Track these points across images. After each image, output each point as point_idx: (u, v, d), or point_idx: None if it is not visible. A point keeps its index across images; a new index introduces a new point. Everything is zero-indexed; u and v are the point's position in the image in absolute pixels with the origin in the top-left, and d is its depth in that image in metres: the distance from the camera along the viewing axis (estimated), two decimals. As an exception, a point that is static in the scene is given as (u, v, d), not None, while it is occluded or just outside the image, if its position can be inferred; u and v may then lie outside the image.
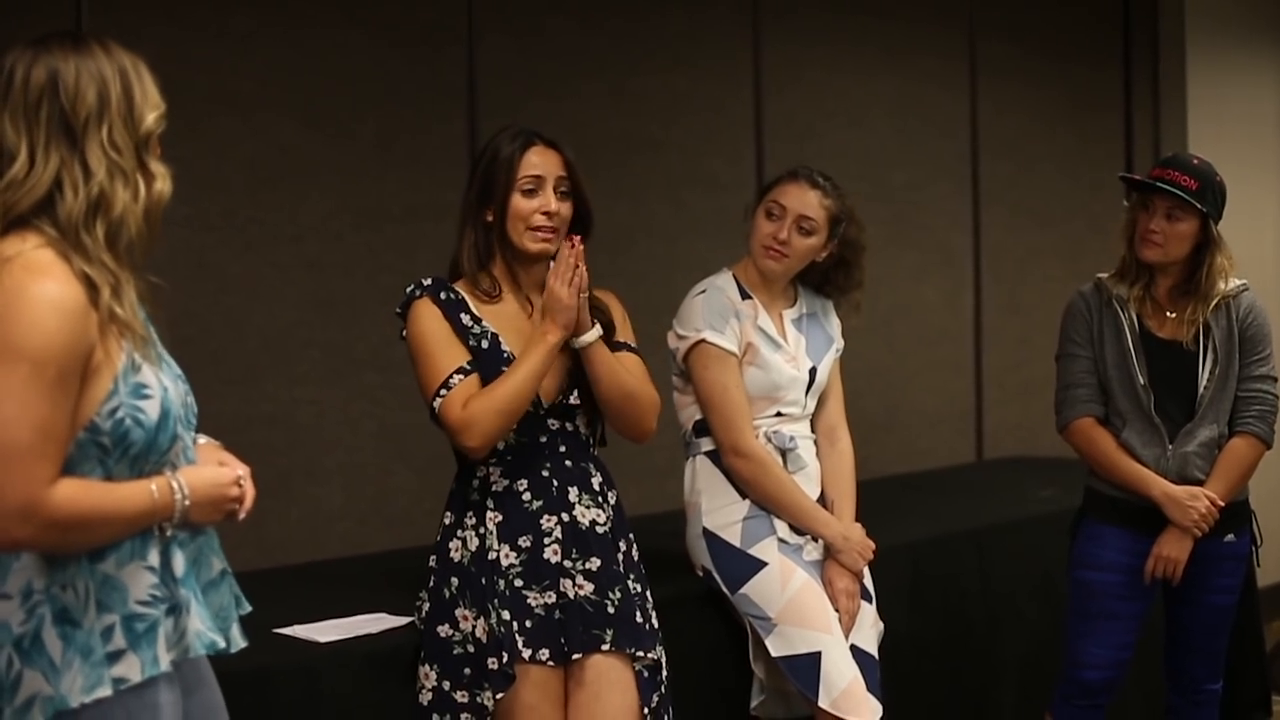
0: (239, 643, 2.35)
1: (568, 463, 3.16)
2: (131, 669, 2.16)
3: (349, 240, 4.35)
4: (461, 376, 3.06)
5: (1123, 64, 6.63)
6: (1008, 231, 6.20)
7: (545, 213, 3.09)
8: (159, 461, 2.21)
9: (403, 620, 3.23)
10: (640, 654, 3.12)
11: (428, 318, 3.11)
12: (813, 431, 3.73)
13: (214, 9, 4.09)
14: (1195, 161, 3.76)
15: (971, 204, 6.08)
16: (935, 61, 5.95)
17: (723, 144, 5.22)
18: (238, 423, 3.98)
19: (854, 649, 3.50)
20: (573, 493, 3.15)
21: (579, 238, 3.08)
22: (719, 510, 3.59)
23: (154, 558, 2.21)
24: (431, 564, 3.18)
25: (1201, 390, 3.75)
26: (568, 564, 3.11)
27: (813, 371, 3.68)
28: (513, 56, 4.67)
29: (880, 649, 3.60)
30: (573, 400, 3.16)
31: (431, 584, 3.16)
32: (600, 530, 3.16)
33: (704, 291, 3.62)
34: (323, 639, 3.12)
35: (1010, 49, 6.18)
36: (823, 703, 3.41)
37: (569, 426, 3.18)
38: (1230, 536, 3.82)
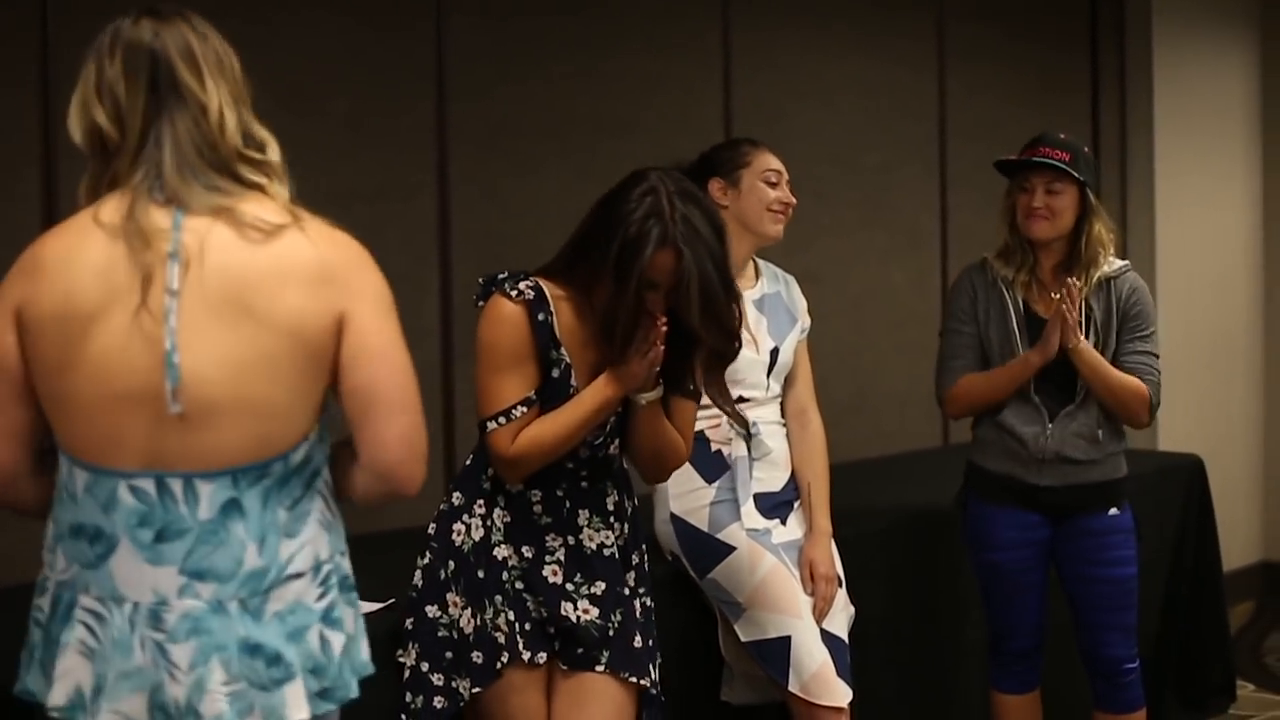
0: None
1: (584, 484, 3.10)
2: None
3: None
4: (524, 410, 2.96)
5: (1089, 47, 6.64)
6: (975, 214, 6.18)
7: (654, 311, 2.91)
8: None
9: (377, 605, 3.21)
10: (632, 679, 3.08)
11: (513, 330, 2.96)
12: (782, 415, 3.73)
13: (182, -13, 4.04)
14: (1063, 136, 3.97)
15: (939, 187, 6.08)
16: (905, 43, 5.94)
17: (693, 126, 5.19)
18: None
19: (824, 633, 3.50)
20: (582, 516, 3.10)
21: (665, 319, 2.89)
22: (686, 495, 3.59)
23: None
24: (430, 540, 3.08)
25: None
26: (570, 587, 3.06)
27: (774, 352, 3.66)
28: (482, 37, 4.64)
29: (850, 633, 3.61)
30: (611, 450, 3.12)
31: (427, 560, 3.06)
32: (607, 552, 3.11)
33: None
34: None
35: (979, 31, 6.18)
36: (793, 687, 3.42)
37: (599, 455, 3.11)
38: (1114, 510, 3.95)
